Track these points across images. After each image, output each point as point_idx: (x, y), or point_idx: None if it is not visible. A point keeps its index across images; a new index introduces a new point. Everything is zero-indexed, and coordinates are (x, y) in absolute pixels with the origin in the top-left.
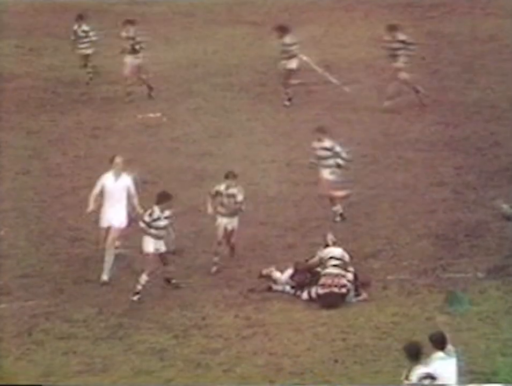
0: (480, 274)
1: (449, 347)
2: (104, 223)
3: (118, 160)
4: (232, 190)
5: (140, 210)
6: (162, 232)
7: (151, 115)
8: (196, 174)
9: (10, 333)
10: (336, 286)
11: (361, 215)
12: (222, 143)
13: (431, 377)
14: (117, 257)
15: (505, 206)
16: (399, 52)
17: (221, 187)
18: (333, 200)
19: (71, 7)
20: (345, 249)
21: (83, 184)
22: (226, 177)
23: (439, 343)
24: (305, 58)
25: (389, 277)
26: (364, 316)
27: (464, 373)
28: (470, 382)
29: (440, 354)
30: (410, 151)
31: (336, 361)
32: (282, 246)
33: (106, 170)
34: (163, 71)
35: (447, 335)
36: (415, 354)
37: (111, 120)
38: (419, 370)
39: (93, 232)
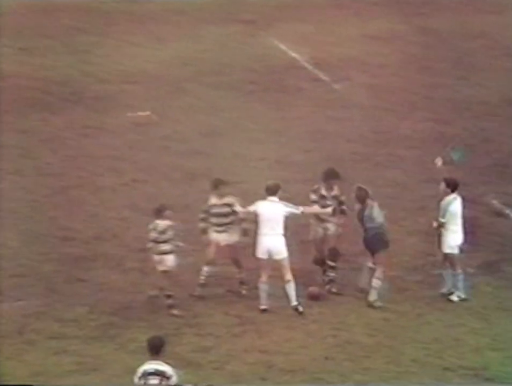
0: (470, 270)
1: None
2: None
3: None
4: None
5: None
6: None
7: (141, 113)
8: (187, 172)
9: (1, 332)
10: None
11: (351, 212)
12: (213, 141)
13: (162, 375)
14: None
15: (495, 202)
16: None
17: None
18: None
19: (63, 7)
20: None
21: (75, 183)
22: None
23: (452, 185)
24: (295, 55)
25: None
26: (355, 312)
27: (454, 368)
28: (460, 377)
29: (453, 195)
30: (400, 148)
31: (327, 358)
32: None
33: (97, 168)
34: (154, 69)
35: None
36: (158, 347)
37: (101, 119)
38: (150, 366)
39: (84, 232)
